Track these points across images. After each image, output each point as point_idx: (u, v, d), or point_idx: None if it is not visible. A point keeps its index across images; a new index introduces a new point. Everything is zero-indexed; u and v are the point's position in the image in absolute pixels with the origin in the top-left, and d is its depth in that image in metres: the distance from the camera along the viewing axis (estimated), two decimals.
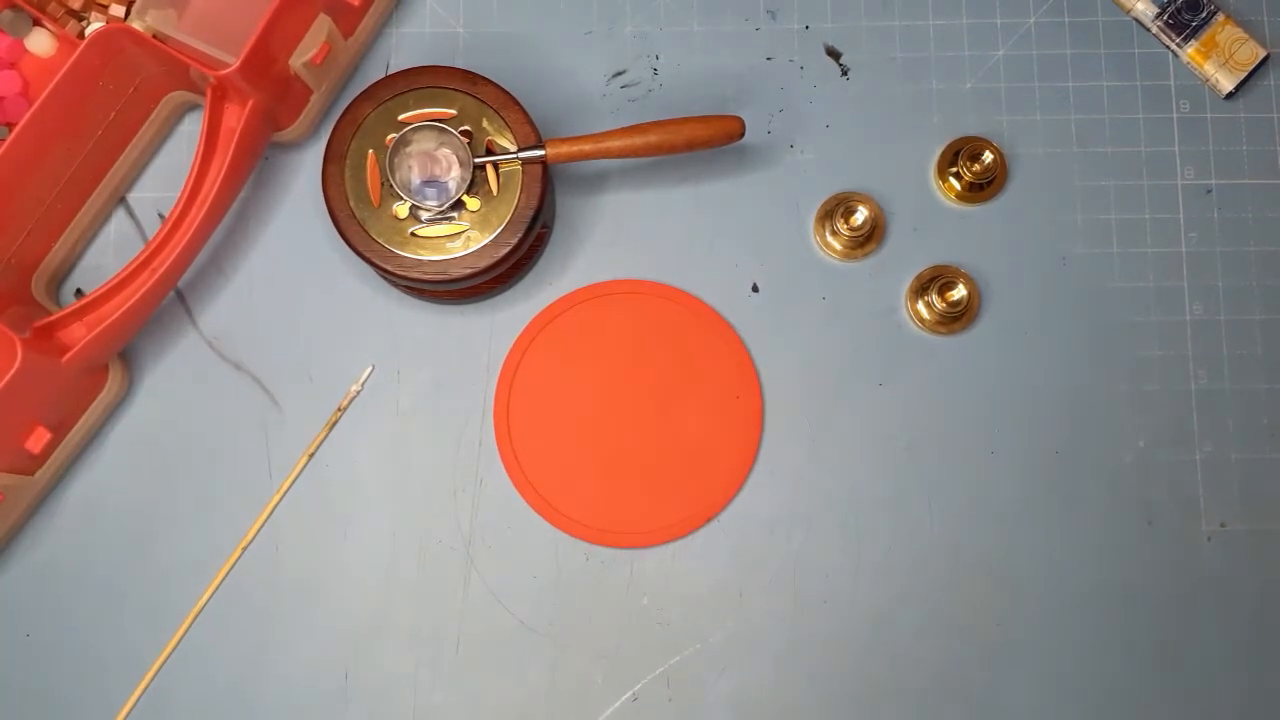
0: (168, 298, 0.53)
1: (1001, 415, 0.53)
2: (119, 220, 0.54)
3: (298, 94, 0.51)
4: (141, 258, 0.47)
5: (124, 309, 0.47)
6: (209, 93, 0.48)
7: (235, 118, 0.48)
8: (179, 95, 0.52)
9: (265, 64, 0.47)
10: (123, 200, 0.53)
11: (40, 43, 0.49)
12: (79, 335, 0.47)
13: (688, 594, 0.52)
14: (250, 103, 0.48)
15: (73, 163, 0.49)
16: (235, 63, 0.45)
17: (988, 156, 0.53)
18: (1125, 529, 0.53)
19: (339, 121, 0.49)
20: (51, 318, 0.47)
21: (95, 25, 0.49)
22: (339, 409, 0.52)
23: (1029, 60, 0.55)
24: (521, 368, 0.53)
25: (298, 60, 0.49)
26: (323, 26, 0.49)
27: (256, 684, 0.51)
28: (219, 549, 0.52)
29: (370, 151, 0.49)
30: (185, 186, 0.48)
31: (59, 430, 0.49)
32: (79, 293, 0.53)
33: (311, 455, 0.52)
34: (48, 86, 0.45)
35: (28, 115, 0.45)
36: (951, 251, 0.54)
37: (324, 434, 0.52)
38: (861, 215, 0.53)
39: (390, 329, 0.53)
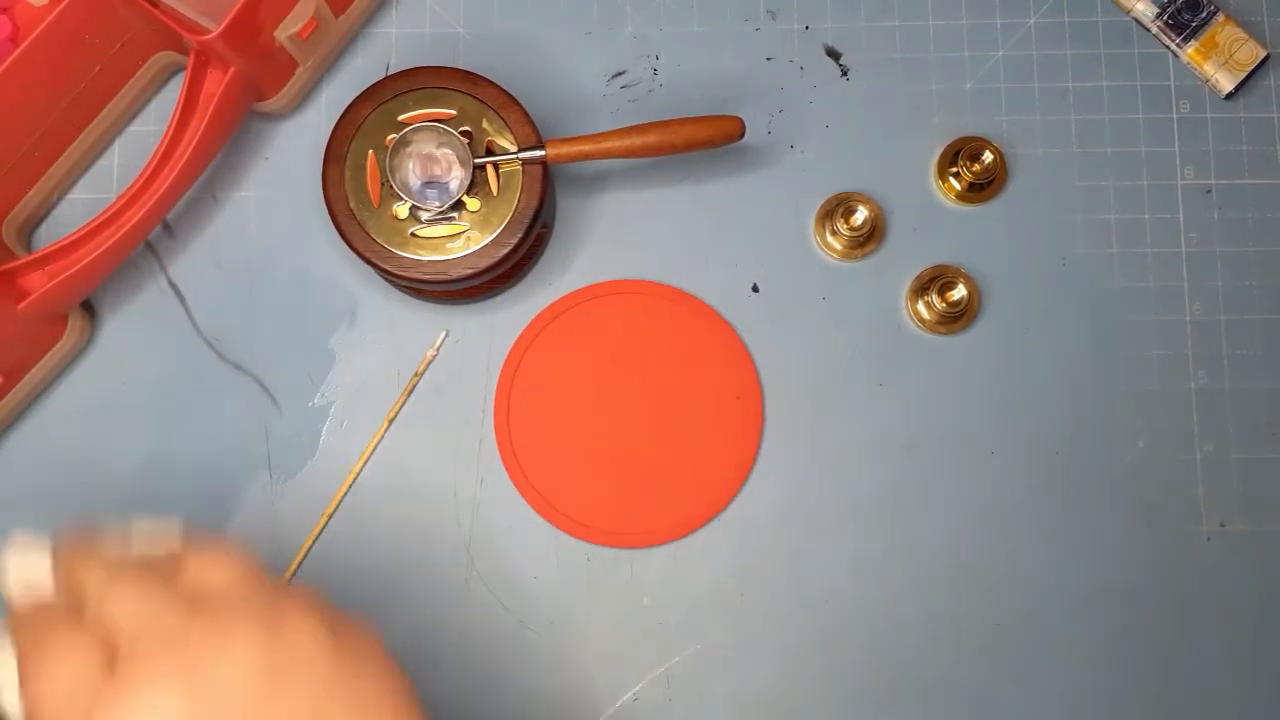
0: (168, 298, 0.53)
1: (1001, 415, 0.53)
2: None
3: (282, 66, 0.51)
4: (109, 212, 0.48)
5: (86, 261, 0.48)
6: (191, 57, 0.48)
7: (216, 83, 0.49)
8: (166, 56, 0.52)
9: (250, 33, 0.48)
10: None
11: None
12: (39, 283, 0.48)
13: (688, 594, 0.52)
14: (231, 70, 0.48)
15: (53, 113, 0.49)
16: (217, 29, 0.46)
17: (988, 156, 0.53)
18: (1125, 529, 0.53)
19: (339, 122, 0.49)
20: (13, 264, 0.48)
21: None
22: (416, 374, 0.52)
23: (1029, 60, 0.55)
24: (522, 368, 0.53)
25: (284, 33, 0.49)
26: (311, 1, 0.49)
27: None
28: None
29: (370, 152, 0.49)
30: (159, 147, 0.48)
31: (10, 376, 0.50)
32: None
33: (391, 420, 0.53)
34: (32, 34, 0.46)
35: (7, 62, 0.45)
36: (951, 251, 0.54)
37: (402, 400, 0.53)
38: (861, 215, 0.53)
39: (390, 329, 0.53)
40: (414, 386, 0.53)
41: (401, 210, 0.48)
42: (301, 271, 0.54)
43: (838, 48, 0.55)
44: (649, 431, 0.53)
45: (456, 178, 0.49)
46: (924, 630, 0.52)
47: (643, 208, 0.54)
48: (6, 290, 0.48)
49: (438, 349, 0.53)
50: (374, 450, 0.53)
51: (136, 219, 0.48)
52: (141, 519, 0.37)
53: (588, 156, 0.49)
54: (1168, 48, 0.55)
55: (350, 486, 0.53)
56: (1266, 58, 0.54)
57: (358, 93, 0.49)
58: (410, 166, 0.49)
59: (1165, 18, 0.55)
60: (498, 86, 0.49)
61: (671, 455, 0.53)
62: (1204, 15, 0.55)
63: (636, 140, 0.49)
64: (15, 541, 0.35)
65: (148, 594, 0.32)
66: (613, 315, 0.53)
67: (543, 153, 0.48)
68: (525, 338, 0.53)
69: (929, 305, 0.53)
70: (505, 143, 0.49)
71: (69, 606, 0.33)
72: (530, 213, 0.48)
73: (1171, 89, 0.55)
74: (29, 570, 0.35)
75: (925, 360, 0.54)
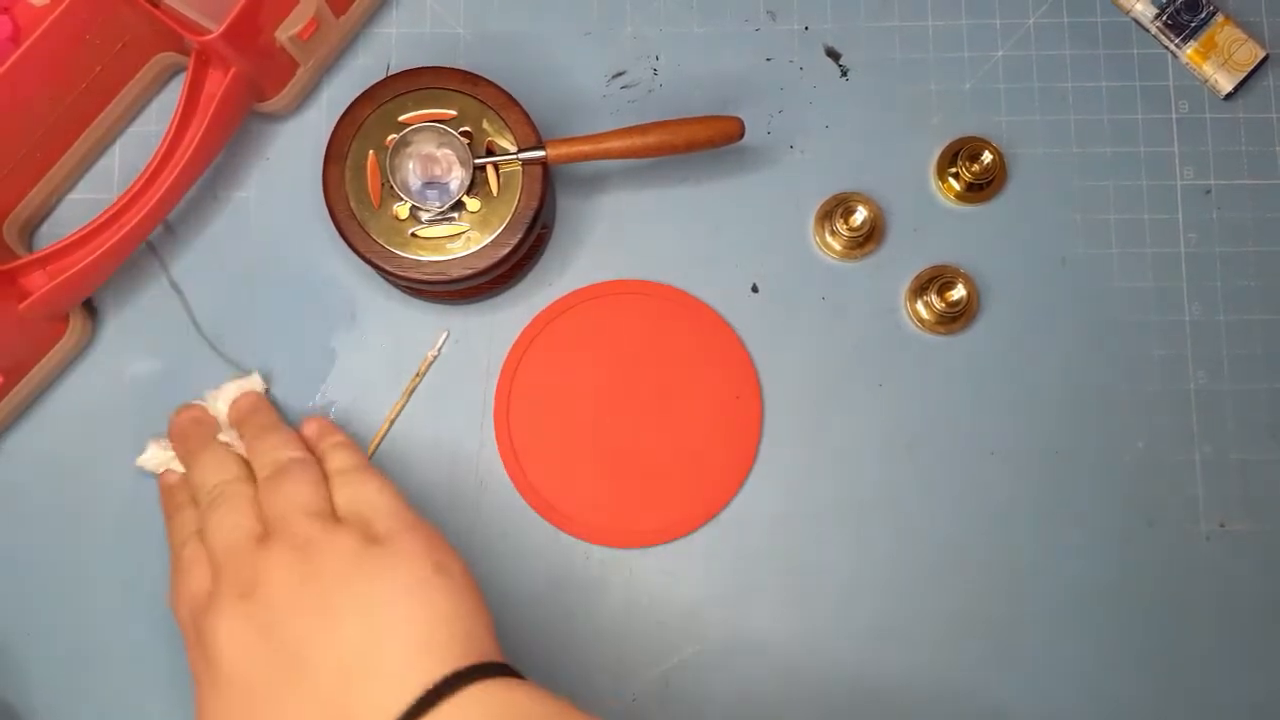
0: (169, 298, 0.53)
1: (1001, 415, 0.53)
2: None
3: (283, 66, 0.51)
4: (111, 212, 0.48)
5: (87, 261, 0.48)
6: (192, 57, 0.48)
7: (217, 84, 0.49)
8: (167, 56, 0.52)
9: (250, 34, 0.48)
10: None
11: None
12: (40, 283, 0.48)
13: (688, 594, 0.52)
14: (232, 70, 0.48)
15: (53, 113, 0.50)
16: (218, 30, 0.46)
17: (987, 157, 0.53)
18: (1125, 529, 0.53)
19: (339, 122, 0.49)
20: (14, 264, 0.48)
21: None
22: (417, 374, 0.52)
23: (1028, 61, 0.55)
24: (521, 368, 0.53)
25: (284, 33, 0.49)
26: (312, 2, 0.49)
27: None
28: None
29: (370, 152, 0.49)
30: (160, 147, 0.48)
31: (11, 376, 0.50)
32: None
33: (393, 421, 0.53)
34: (33, 34, 0.46)
35: (9, 62, 0.45)
36: (951, 251, 0.54)
37: (403, 401, 0.53)
38: (861, 215, 0.53)
39: (390, 329, 0.54)
40: (415, 387, 0.53)
41: (402, 210, 0.48)
42: (302, 271, 0.54)
43: (837, 48, 0.55)
44: (649, 431, 0.53)
45: (456, 178, 0.49)
46: (923, 630, 0.52)
47: (643, 208, 0.54)
48: (8, 290, 0.48)
49: (438, 350, 0.53)
50: (375, 451, 0.53)
51: (138, 219, 0.48)
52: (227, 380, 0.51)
53: (588, 157, 0.49)
54: (1167, 48, 0.55)
55: None
56: (1265, 58, 0.54)
57: (358, 93, 0.49)
58: (410, 167, 0.49)
59: (1164, 18, 0.55)
60: (498, 87, 0.49)
61: (671, 455, 0.53)
62: (1203, 16, 0.55)
63: (637, 141, 0.49)
64: (148, 449, 0.51)
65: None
66: (613, 315, 0.54)
67: (543, 153, 0.48)
68: (525, 338, 0.53)
69: (928, 305, 0.53)
70: (505, 143, 0.49)
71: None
72: (530, 213, 0.48)
73: (1171, 89, 0.55)
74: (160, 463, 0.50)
75: (925, 360, 0.54)
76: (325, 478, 0.45)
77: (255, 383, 0.51)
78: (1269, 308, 0.54)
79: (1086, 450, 0.53)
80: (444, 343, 0.53)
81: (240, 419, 0.49)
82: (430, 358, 0.53)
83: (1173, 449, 0.53)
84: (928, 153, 0.55)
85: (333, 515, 0.43)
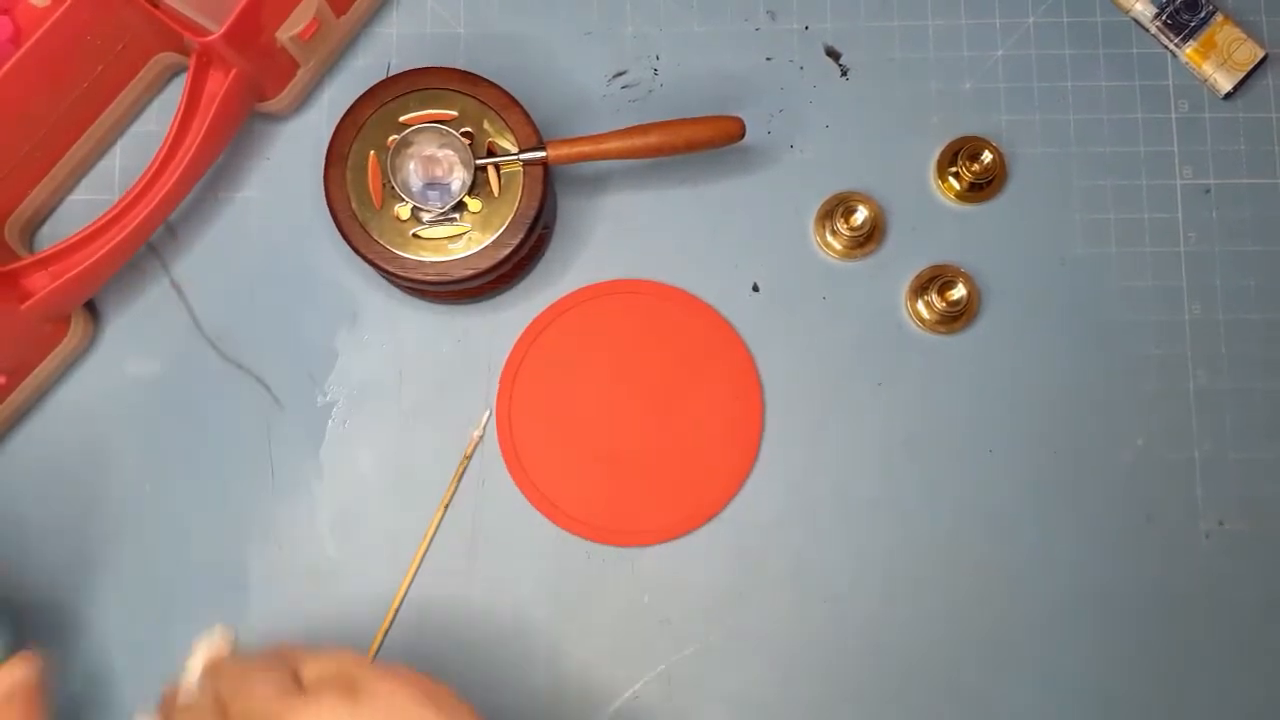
0: (170, 299, 0.54)
1: (1001, 415, 0.53)
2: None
3: (284, 67, 0.52)
4: (112, 213, 0.48)
5: (89, 262, 0.48)
6: (193, 58, 0.48)
7: (218, 84, 0.49)
8: (168, 57, 0.52)
9: (251, 34, 0.48)
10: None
11: None
12: (42, 284, 0.48)
13: (688, 593, 0.53)
14: (233, 71, 0.48)
15: (55, 113, 0.50)
16: (219, 30, 0.46)
17: (987, 156, 0.53)
18: (1124, 528, 0.53)
19: (340, 123, 0.49)
20: (16, 264, 0.48)
21: None
22: (465, 456, 0.52)
23: (1028, 60, 0.55)
24: (523, 367, 0.53)
25: (285, 33, 0.49)
26: (313, 2, 0.49)
27: None
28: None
29: (372, 153, 0.49)
30: (161, 148, 0.48)
31: (14, 376, 0.50)
32: None
33: (446, 506, 0.53)
34: (34, 35, 0.46)
35: (9, 63, 0.46)
36: (951, 251, 0.54)
37: (453, 485, 0.53)
38: (861, 215, 0.53)
39: (392, 329, 0.54)
40: (463, 472, 0.53)
41: (403, 211, 0.49)
42: (303, 272, 0.54)
43: (837, 48, 0.55)
44: (649, 430, 0.53)
45: (458, 179, 0.49)
46: (923, 629, 0.52)
47: (643, 208, 0.54)
48: (10, 291, 0.48)
49: (483, 429, 0.53)
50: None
51: (139, 220, 0.48)
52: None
53: (588, 157, 0.49)
54: (1166, 48, 0.55)
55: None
56: (1265, 58, 0.54)
57: (359, 93, 0.49)
58: (412, 167, 0.49)
59: (1164, 18, 0.55)
60: (499, 88, 0.49)
61: (672, 454, 0.53)
62: (1202, 15, 0.55)
63: (637, 141, 0.49)
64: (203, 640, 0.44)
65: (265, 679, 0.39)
66: (613, 315, 0.54)
67: (544, 154, 0.48)
68: (527, 337, 0.53)
69: (929, 305, 0.53)
70: (506, 144, 0.49)
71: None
72: (531, 213, 0.48)
73: (1170, 89, 0.55)
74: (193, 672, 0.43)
75: (925, 360, 0.54)
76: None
77: (220, 639, 0.45)
78: (1268, 307, 0.54)
79: (1086, 450, 0.53)
80: (488, 421, 0.53)
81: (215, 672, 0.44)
82: (476, 438, 0.53)
83: (1172, 448, 0.53)
84: (928, 152, 0.55)
85: None
